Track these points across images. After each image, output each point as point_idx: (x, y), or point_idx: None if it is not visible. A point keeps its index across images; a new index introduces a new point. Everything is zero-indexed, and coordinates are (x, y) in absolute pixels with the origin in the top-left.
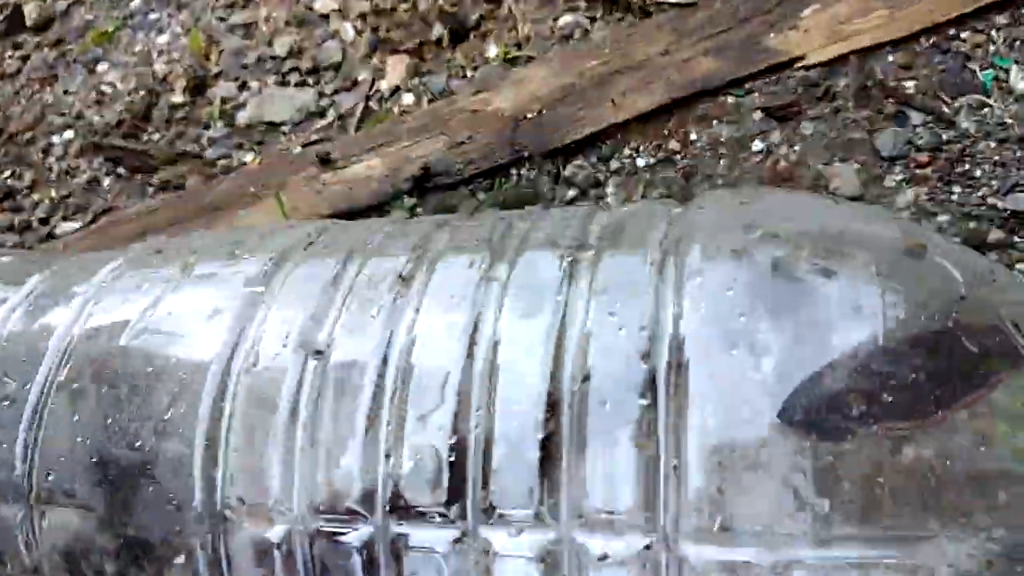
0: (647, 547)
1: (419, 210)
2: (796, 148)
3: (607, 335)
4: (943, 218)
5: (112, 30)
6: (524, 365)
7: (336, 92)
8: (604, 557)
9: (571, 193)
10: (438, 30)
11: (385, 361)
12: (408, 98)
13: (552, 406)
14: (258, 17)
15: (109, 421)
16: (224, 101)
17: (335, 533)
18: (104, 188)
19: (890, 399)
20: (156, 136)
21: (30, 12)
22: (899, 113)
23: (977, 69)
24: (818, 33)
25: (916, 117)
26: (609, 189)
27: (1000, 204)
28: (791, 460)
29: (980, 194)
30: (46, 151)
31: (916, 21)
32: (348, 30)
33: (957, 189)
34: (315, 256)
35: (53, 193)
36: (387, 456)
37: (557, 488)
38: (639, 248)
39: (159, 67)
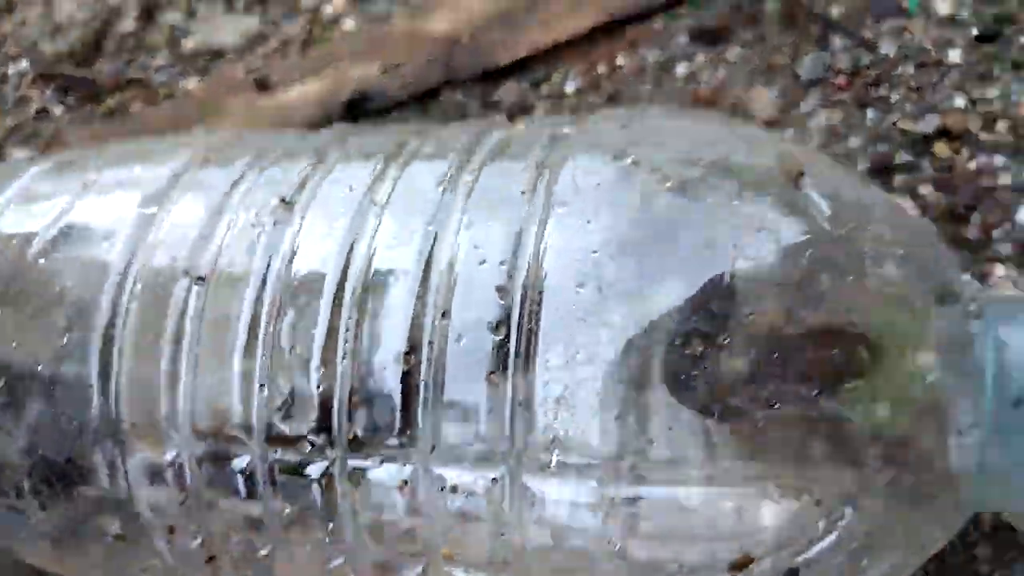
0: (493, 480)
1: None
2: (719, 73)
3: (469, 268)
4: (855, 141)
5: None
6: (391, 298)
7: (281, 17)
8: (455, 489)
9: (499, 117)
10: None
11: (264, 284)
12: (350, 23)
13: (414, 341)
14: None
15: (15, 344)
16: (172, 29)
17: (219, 457)
18: (55, 117)
19: (728, 342)
20: (106, 65)
21: None
22: (822, 36)
23: None
24: None
25: (839, 42)
26: (538, 113)
27: (910, 127)
28: (627, 400)
29: (893, 118)
30: (2, 81)
31: None
32: None
33: (871, 113)
34: (209, 173)
35: (7, 122)
36: (261, 386)
37: (415, 422)
38: (512, 175)
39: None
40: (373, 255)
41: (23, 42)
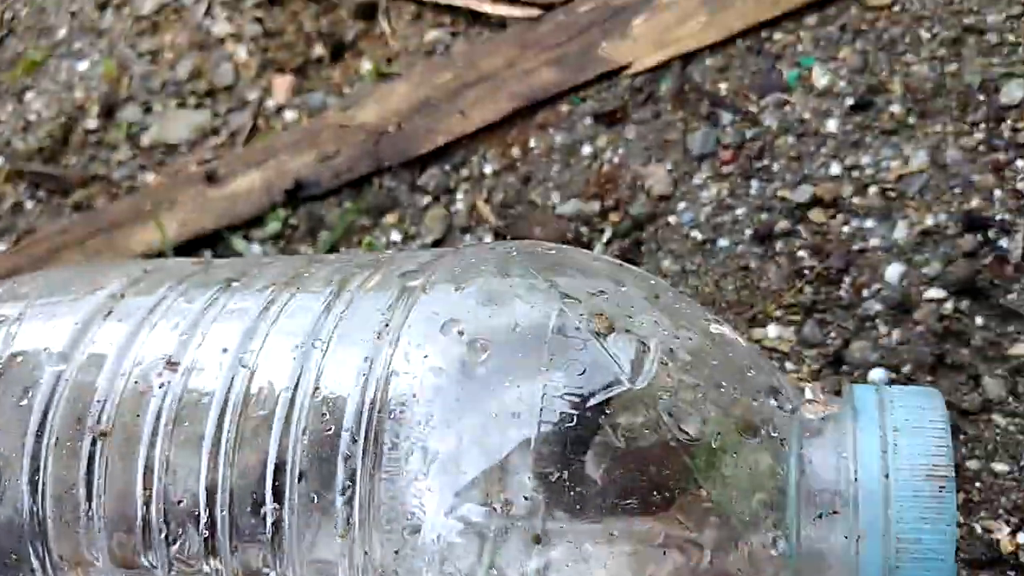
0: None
1: (291, 220)
2: (620, 151)
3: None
4: (740, 211)
5: (40, 59)
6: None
7: (228, 112)
8: None
9: (426, 200)
10: (319, 50)
11: (158, 420)
12: (291, 115)
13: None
14: (164, 44)
15: None
16: (131, 125)
17: None
18: (27, 211)
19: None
20: (72, 160)
21: None
22: (711, 114)
23: (784, 68)
24: (646, 41)
25: (726, 117)
26: (459, 195)
27: (789, 196)
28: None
29: (774, 187)
30: None
31: (733, 25)
32: (241, 52)
33: (755, 183)
34: (121, 317)
35: None
36: (148, 527)
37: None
38: (359, 334)
39: (78, 94)
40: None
41: None
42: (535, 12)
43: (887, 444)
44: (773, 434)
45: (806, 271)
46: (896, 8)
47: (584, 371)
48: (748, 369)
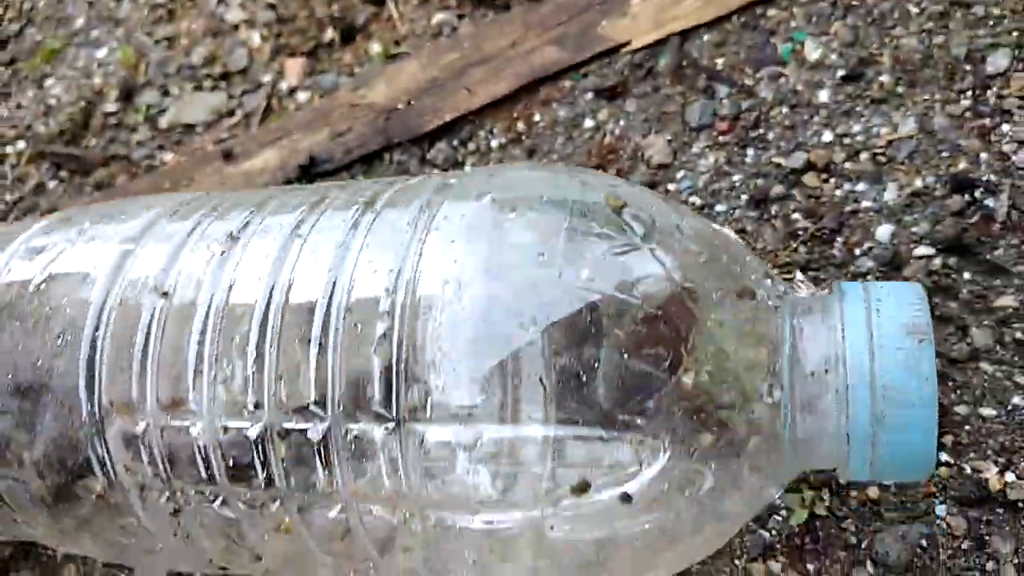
0: (387, 430)
1: None
2: (620, 123)
3: (366, 277)
4: (737, 177)
5: (59, 47)
6: (308, 296)
7: (243, 94)
8: (358, 438)
9: (435, 173)
10: (330, 34)
11: (210, 304)
12: (303, 96)
13: (325, 328)
14: (179, 31)
15: (20, 347)
16: (149, 107)
17: (179, 427)
18: (50, 190)
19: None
20: (93, 142)
21: None
22: (708, 87)
23: (778, 43)
24: (644, 19)
25: (723, 90)
26: (467, 168)
27: (784, 163)
28: (482, 366)
29: (770, 154)
30: (1, 160)
31: (729, 3)
32: (255, 38)
33: (751, 151)
34: (175, 220)
35: (8, 197)
36: (199, 372)
37: (327, 387)
38: (403, 210)
39: (97, 80)
40: (294, 270)
41: (19, 125)
42: None
43: (871, 311)
44: (768, 302)
45: (800, 232)
46: None
47: (600, 232)
48: (745, 256)
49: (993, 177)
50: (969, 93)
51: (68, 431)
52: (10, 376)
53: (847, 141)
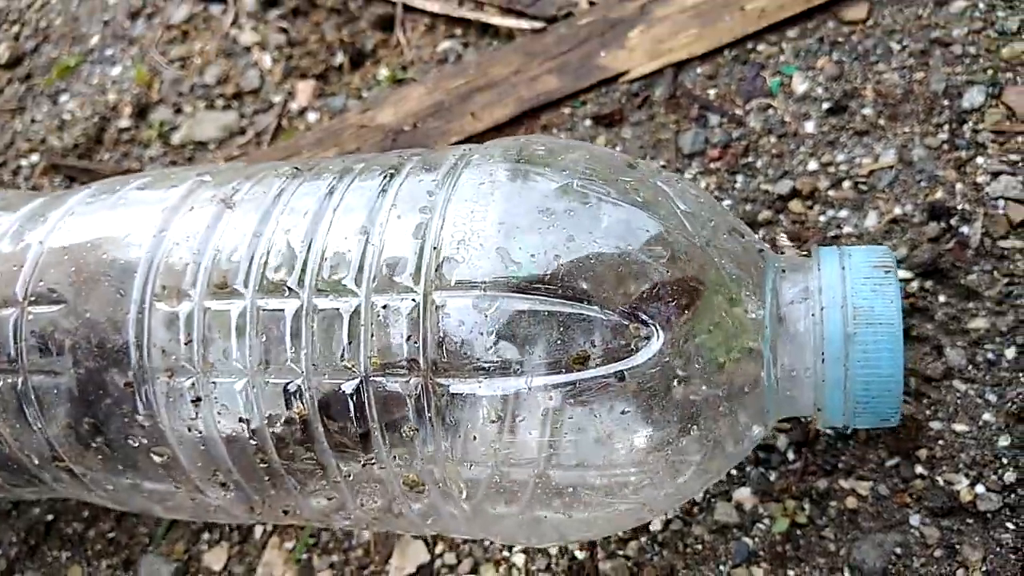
0: (413, 301)
1: None
2: (617, 149)
3: (396, 228)
4: (727, 202)
5: (74, 64)
6: (348, 245)
7: (255, 113)
8: (386, 307)
9: None
10: (340, 58)
11: (270, 208)
12: (313, 116)
13: (360, 267)
14: (193, 51)
15: (90, 244)
16: (162, 124)
17: (221, 308)
18: None
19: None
20: (106, 156)
21: (2, 52)
22: (700, 116)
23: (768, 76)
24: (641, 51)
25: (714, 119)
26: None
27: (771, 189)
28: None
29: (758, 181)
30: (16, 172)
31: (721, 38)
32: (266, 60)
33: (740, 178)
34: (215, 186)
35: None
36: (252, 259)
37: (364, 270)
38: (432, 171)
39: (111, 96)
40: (331, 226)
41: (34, 139)
42: (540, 25)
43: (843, 256)
44: (754, 245)
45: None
46: (870, 22)
47: (627, 199)
48: (737, 223)
49: (968, 206)
50: (946, 127)
51: (115, 314)
52: (73, 269)
53: (831, 170)
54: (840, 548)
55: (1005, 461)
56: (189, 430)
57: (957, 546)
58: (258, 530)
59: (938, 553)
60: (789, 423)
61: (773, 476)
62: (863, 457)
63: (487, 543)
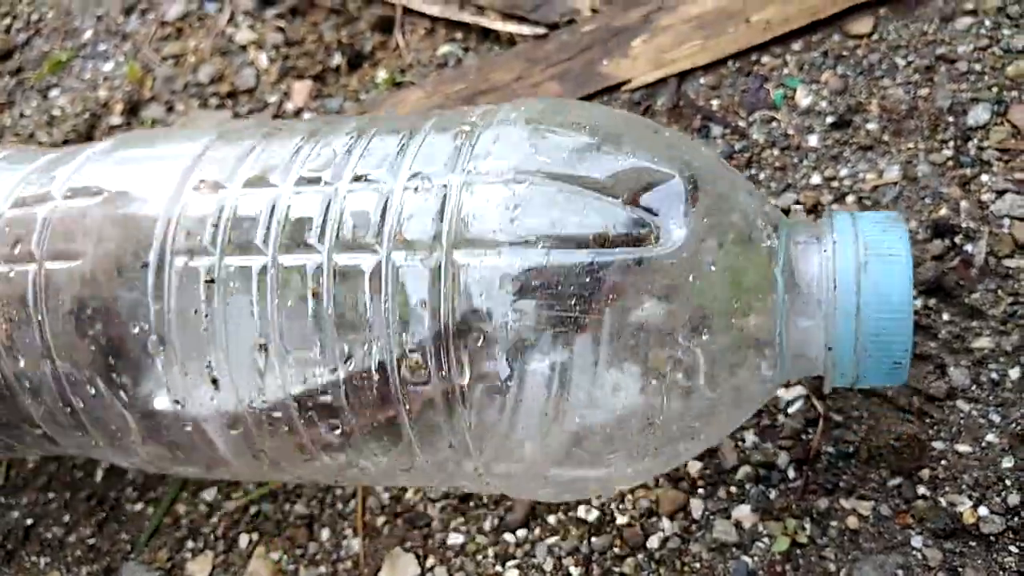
0: (445, 186)
1: None
2: None
3: (413, 196)
4: None
5: (66, 59)
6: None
7: (249, 113)
8: (417, 189)
9: None
10: (337, 59)
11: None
12: (308, 117)
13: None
14: (187, 49)
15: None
16: (154, 122)
17: (252, 198)
18: None
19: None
20: None
21: None
22: (703, 127)
23: (771, 89)
24: (644, 60)
25: (716, 130)
26: None
27: (774, 202)
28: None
29: (760, 194)
30: None
31: (725, 49)
32: (263, 59)
33: None
34: (232, 142)
35: None
36: (294, 159)
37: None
38: (449, 130)
39: (102, 92)
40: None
41: (22, 133)
42: (542, 31)
43: (855, 216)
44: (770, 202)
45: None
46: (874, 37)
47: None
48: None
49: (972, 224)
50: (951, 143)
51: (146, 213)
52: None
53: (834, 184)
54: (841, 568)
55: (1009, 483)
56: (195, 312)
57: (960, 569)
58: (243, 540)
59: (940, 575)
60: (790, 440)
61: (773, 494)
62: (864, 476)
63: (479, 557)
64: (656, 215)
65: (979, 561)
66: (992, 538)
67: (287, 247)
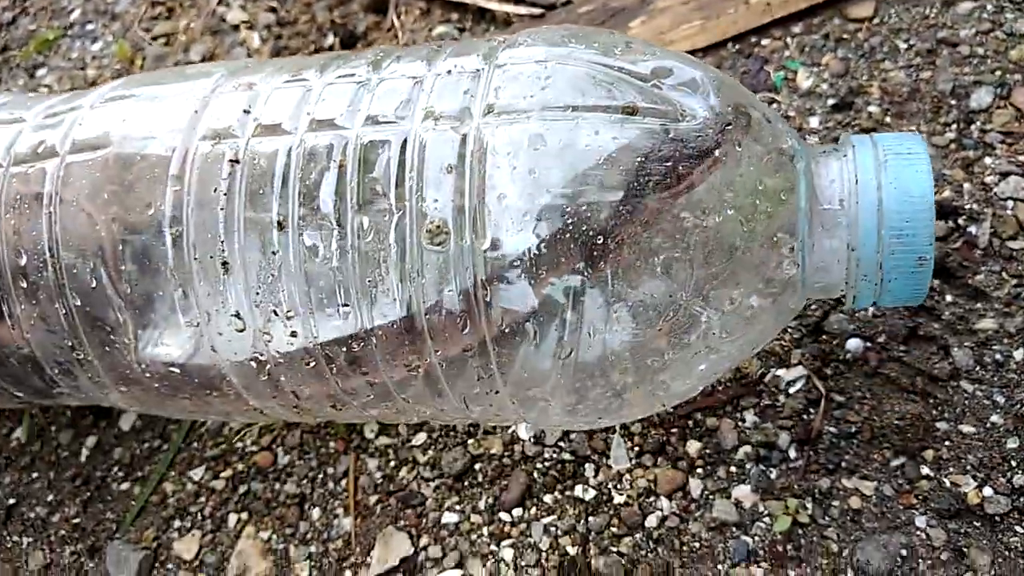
0: (478, 69)
1: None
2: None
3: (445, 78)
4: None
5: (53, 38)
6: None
7: None
8: (450, 71)
9: None
10: (330, 39)
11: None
12: None
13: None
14: (178, 28)
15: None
16: None
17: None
18: None
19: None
20: None
21: None
22: None
23: (771, 71)
24: None
25: None
26: None
27: None
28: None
29: None
30: None
31: (725, 31)
32: (255, 39)
33: None
34: (241, 76)
35: None
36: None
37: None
38: (470, 55)
39: (91, 72)
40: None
41: None
42: (538, 11)
43: (874, 136)
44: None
45: None
46: (876, 20)
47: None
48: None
49: (976, 206)
50: (954, 126)
51: (177, 106)
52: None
53: None
54: (843, 549)
55: (1014, 463)
56: (214, 191)
57: (965, 549)
58: (232, 519)
59: (945, 556)
60: (791, 420)
61: (774, 474)
62: (867, 456)
63: (473, 536)
64: (682, 98)
65: (984, 542)
66: (997, 518)
67: (315, 128)
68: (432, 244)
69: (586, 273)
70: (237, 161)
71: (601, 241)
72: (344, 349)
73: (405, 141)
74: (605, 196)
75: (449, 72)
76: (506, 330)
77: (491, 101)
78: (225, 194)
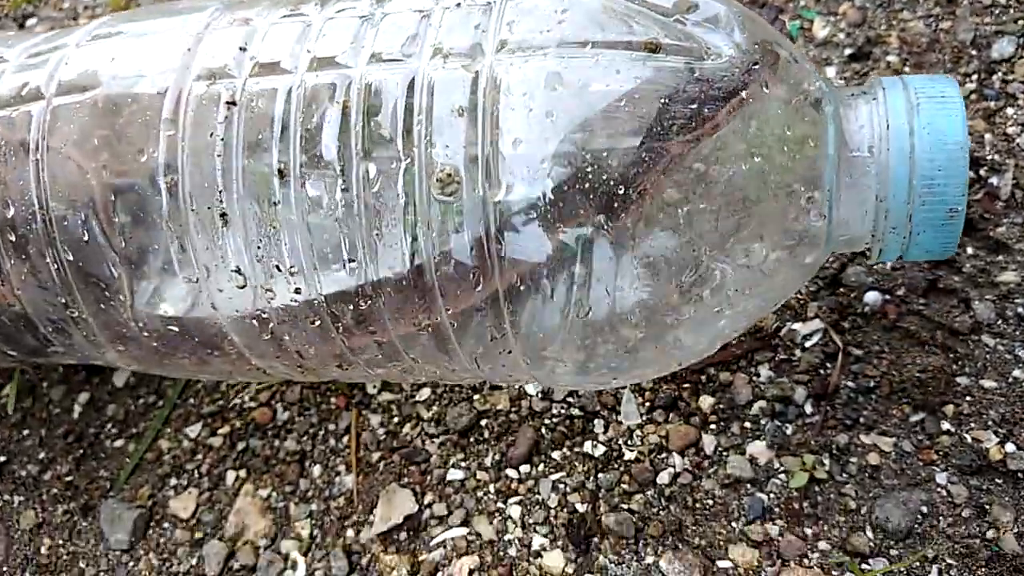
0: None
1: None
2: None
3: (454, 11)
4: None
5: None
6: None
7: None
8: (459, 5)
9: None
10: None
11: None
12: None
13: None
14: None
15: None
16: None
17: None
18: None
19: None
20: None
21: None
22: None
23: (787, 20)
24: None
25: None
26: None
27: None
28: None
29: None
30: None
31: None
32: None
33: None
34: (237, 11)
35: None
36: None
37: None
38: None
39: (83, 21)
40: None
41: None
42: None
43: (904, 78)
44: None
45: None
46: None
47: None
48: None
49: (997, 156)
50: (974, 77)
51: (168, 44)
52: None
53: None
54: (862, 506)
55: None
56: (210, 136)
57: (987, 506)
58: (230, 476)
59: (966, 513)
60: (808, 375)
61: (790, 430)
62: (885, 412)
63: (480, 493)
64: (706, 35)
65: (1007, 498)
66: (1020, 474)
67: (316, 67)
68: (442, 194)
69: (607, 224)
70: (234, 103)
71: (623, 190)
72: (350, 307)
73: (412, 81)
74: (626, 142)
75: (459, 4)
76: (520, 285)
77: (504, 36)
78: (222, 139)
